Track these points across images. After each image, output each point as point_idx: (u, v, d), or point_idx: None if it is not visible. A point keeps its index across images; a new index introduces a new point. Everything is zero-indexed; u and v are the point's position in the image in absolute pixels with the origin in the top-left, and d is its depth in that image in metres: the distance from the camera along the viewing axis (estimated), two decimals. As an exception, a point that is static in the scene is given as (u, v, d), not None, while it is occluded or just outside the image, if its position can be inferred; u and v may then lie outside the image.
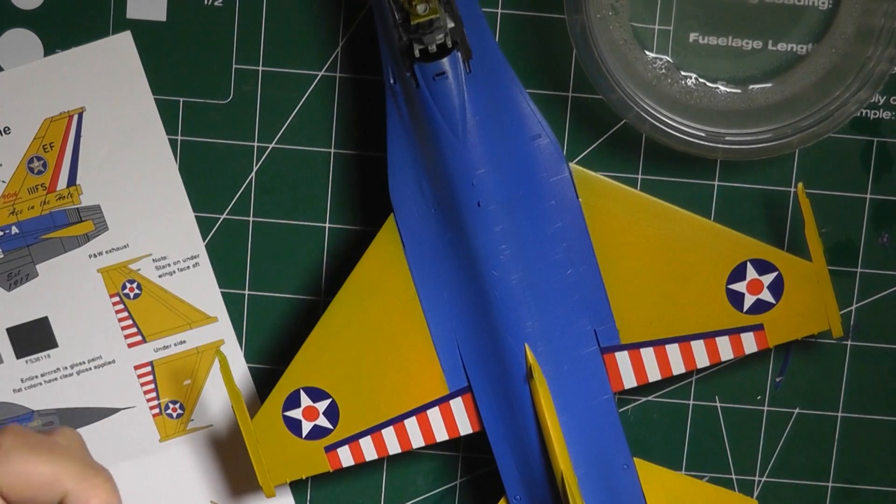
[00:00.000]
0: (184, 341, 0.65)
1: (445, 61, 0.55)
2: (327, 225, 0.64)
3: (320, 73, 0.63)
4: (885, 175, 0.63)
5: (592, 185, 0.59)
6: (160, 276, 0.64)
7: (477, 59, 0.56)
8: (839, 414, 0.65)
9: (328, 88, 0.63)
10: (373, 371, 0.61)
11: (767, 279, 0.60)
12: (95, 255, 0.64)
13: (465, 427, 0.62)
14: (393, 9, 0.55)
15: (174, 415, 0.65)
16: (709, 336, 0.60)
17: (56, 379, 0.65)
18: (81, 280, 0.64)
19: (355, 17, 0.63)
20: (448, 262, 0.59)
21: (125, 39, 0.63)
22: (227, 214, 0.64)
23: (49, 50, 0.63)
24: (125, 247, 0.64)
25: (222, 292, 0.65)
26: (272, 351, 0.65)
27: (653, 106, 0.59)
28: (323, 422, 0.61)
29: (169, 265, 0.64)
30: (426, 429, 0.61)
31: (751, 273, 0.60)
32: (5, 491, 0.47)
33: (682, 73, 0.61)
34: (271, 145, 0.64)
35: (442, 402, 0.61)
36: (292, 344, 0.63)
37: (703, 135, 0.59)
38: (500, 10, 0.62)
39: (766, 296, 0.60)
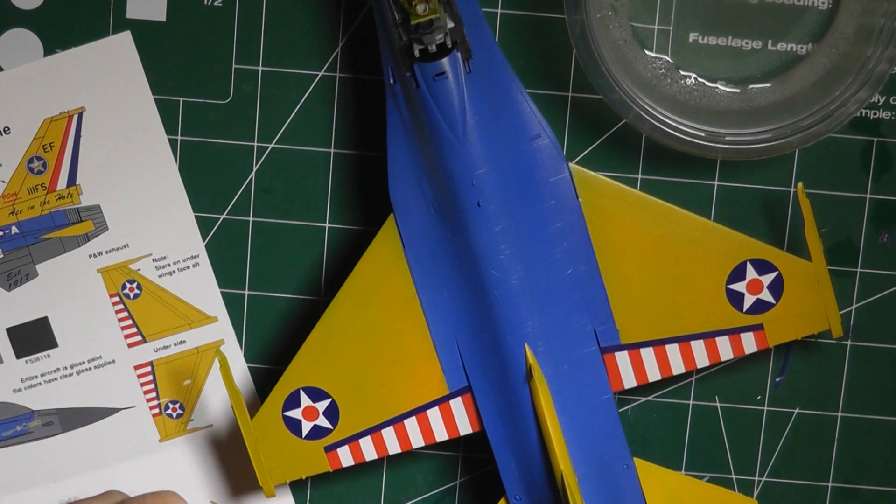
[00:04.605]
0: (184, 341, 0.65)
1: (445, 61, 0.55)
2: (327, 225, 0.64)
3: (320, 73, 0.63)
4: (885, 175, 0.63)
5: (592, 185, 0.59)
6: (160, 276, 0.64)
7: (477, 59, 0.56)
8: (839, 414, 0.65)
9: (328, 88, 0.63)
10: (373, 371, 0.61)
11: (767, 279, 0.60)
12: (95, 255, 0.64)
13: (465, 427, 0.62)
14: (393, 9, 0.55)
15: (174, 415, 0.65)
16: (709, 336, 0.60)
17: (56, 379, 0.65)
18: (81, 280, 0.64)
19: (355, 17, 0.63)
20: (448, 262, 0.59)
21: (125, 39, 0.63)
22: (227, 214, 0.64)
23: (49, 50, 0.63)
24: (125, 247, 0.64)
25: (222, 292, 0.65)
26: (272, 351, 0.65)
27: (653, 106, 0.59)
28: (323, 422, 0.61)
29: (169, 265, 0.64)
30: (426, 429, 0.61)
31: (751, 273, 0.60)
32: None
33: (682, 72, 0.61)
34: (271, 145, 0.64)
35: (442, 402, 0.61)
36: (292, 344, 0.63)
37: (703, 135, 0.59)
38: (500, 10, 0.62)
39: (766, 296, 0.60)
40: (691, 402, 0.65)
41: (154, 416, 0.65)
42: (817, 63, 0.61)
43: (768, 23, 0.61)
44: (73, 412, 0.65)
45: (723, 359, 0.61)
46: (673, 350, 0.60)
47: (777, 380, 0.65)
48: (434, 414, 0.61)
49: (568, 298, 0.60)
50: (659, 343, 0.60)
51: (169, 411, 0.65)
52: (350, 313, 0.60)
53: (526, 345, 0.59)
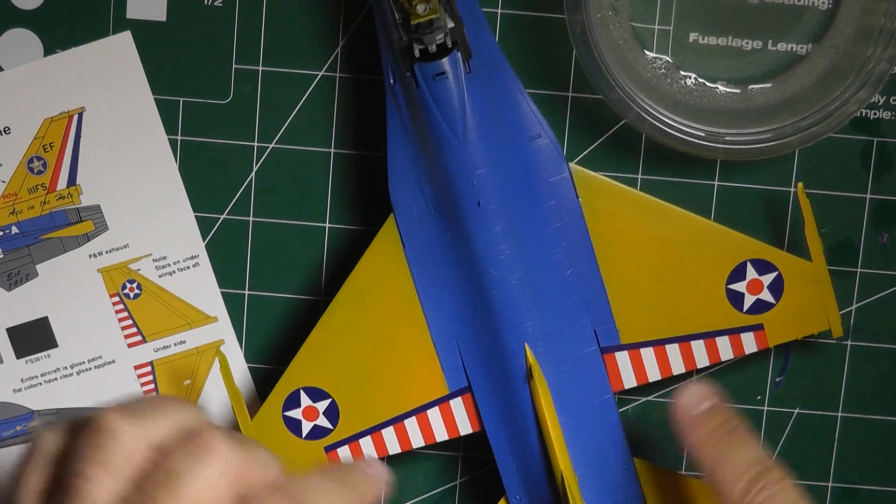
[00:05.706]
0: (184, 341, 0.65)
1: (445, 61, 0.55)
2: (327, 225, 0.64)
3: (320, 73, 0.63)
4: (885, 175, 0.63)
5: (592, 185, 0.59)
6: (160, 276, 0.64)
7: (477, 59, 0.56)
8: (839, 414, 0.65)
9: (328, 88, 0.63)
10: (373, 371, 0.61)
11: (767, 279, 0.60)
12: (95, 255, 0.64)
13: (465, 427, 0.62)
14: (393, 9, 0.55)
15: (174, 415, 0.65)
16: (709, 336, 0.60)
17: (56, 379, 0.65)
18: (81, 280, 0.64)
19: (355, 17, 0.63)
20: (448, 262, 0.59)
21: (125, 39, 0.63)
22: (227, 214, 0.64)
23: (49, 50, 0.63)
24: (125, 247, 0.64)
25: (222, 292, 0.65)
26: (272, 351, 0.65)
27: (653, 106, 0.59)
28: (323, 422, 0.61)
29: (169, 265, 0.64)
30: (426, 429, 0.61)
31: (751, 273, 0.60)
32: None
33: (682, 73, 0.61)
34: (271, 145, 0.64)
35: (442, 402, 0.61)
36: (292, 344, 0.63)
37: (703, 135, 0.59)
38: (500, 10, 0.62)
39: (766, 296, 0.60)
40: (691, 402, 0.65)
41: (154, 416, 0.65)
42: (817, 63, 0.61)
43: (768, 23, 0.61)
44: (73, 412, 0.65)
45: (723, 359, 0.61)
46: (673, 350, 0.61)
47: (777, 380, 0.65)
48: (434, 414, 0.61)
49: (568, 298, 0.60)
50: (659, 343, 0.60)
51: (169, 411, 0.65)
52: (350, 313, 0.60)
53: (526, 345, 0.59)
